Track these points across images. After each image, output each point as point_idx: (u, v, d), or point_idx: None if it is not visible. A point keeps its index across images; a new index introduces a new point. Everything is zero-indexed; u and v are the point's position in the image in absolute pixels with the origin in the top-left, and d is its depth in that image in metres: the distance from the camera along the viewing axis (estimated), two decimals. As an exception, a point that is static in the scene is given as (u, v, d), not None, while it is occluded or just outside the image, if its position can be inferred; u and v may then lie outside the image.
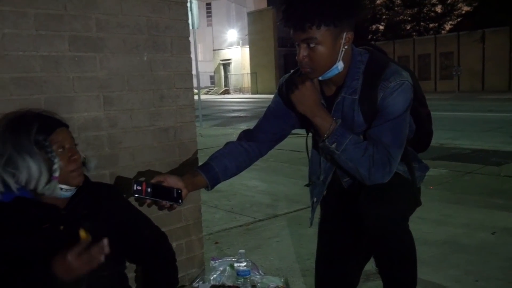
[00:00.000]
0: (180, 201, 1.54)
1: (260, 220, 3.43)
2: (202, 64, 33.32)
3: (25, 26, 1.60)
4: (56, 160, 1.35)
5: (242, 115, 16.47)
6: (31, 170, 1.31)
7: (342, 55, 1.56)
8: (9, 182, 1.31)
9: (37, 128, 1.34)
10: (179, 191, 1.56)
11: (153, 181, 1.54)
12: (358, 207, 1.60)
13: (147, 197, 1.48)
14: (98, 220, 1.46)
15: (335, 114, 1.65)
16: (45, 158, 1.33)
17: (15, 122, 1.37)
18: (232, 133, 9.86)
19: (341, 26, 1.51)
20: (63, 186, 1.39)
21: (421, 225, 2.98)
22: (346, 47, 1.55)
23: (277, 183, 4.72)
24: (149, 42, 1.94)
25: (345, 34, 1.53)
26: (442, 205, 3.61)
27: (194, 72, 2.09)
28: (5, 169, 1.31)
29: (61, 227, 1.38)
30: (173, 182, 1.57)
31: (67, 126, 1.45)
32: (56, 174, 1.35)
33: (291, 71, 1.85)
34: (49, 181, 1.34)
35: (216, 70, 45.58)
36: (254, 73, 38.92)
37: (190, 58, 2.09)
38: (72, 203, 1.44)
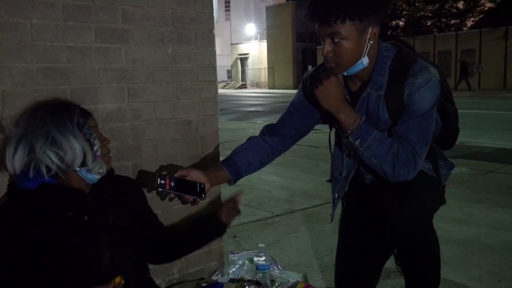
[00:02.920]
0: (203, 196, 1.54)
1: (278, 215, 3.43)
2: (220, 58, 33.37)
3: (53, 17, 1.62)
4: (96, 141, 1.41)
5: (259, 110, 16.45)
6: (75, 150, 1.35)
7: (367, 50, 1.53)
8: (54, 161, 1.34)
9: (78, 111, 1.40)
10: (202, 185, 1.55)
11: (176, 175, 1.54)
12: (382, 204, 1.59)
13: (171, 191, 1.48)
14: (121, 210, 1.48)
15: (359, 110, 1.63)
16: (86, 139, 1.38)
17: (56, 105, 1.43)
18: (249, 127, 9.85)
19: (367, 21, 1.48)
20: None
21: (442, 224, 2.94)
22: (371, 42, 1.53)
23: (295, 178, 4.70)
24: (174, 35, 1.94)
25: (370, 29, 1.50)
26: (464, 204, 3.56)
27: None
28: (51, 148, 1.34)
29: (86, 218, 1.39)
30: (196, 176, 1.57)
31: (92, 115, 1.50)
32: (98, 153, 1.41)
33: (309, 66, 1.83)
34: (94, 159, 1.39)
35: (234, 64, 45.59)
36: (271, 68, 38.81)
37: (214, 51, 2.09)
38: (95, 189, 1.46)
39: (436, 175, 1.69)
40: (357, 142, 1.57)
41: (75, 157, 1.36)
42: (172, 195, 1.50)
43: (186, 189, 1.51)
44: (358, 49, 1.52)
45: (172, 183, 1.49)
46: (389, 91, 1.58)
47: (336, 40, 1.49)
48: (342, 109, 1.59)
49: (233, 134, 8.25)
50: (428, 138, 1.57)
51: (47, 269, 1.32)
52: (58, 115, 1.38)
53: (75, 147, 1.35)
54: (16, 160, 1.35)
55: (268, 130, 1.84)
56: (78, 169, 1.38)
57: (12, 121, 1.43)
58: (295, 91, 1.90)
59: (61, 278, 1.32)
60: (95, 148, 1.40)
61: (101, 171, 1.42)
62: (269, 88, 38.50)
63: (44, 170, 1.35)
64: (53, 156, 1.34)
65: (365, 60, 1.55)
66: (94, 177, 1.42)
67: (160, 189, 1.46)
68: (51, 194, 1.38)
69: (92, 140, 1.40)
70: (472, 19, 34.25)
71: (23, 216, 1.33)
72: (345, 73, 1.60)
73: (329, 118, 1.75)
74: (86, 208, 1.41)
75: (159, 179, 1.46)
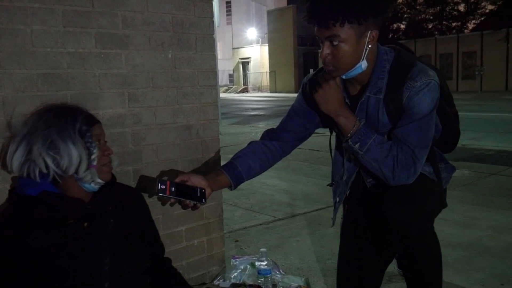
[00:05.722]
0: (204, 201, 1.54)
1: (279, 219, 3.42)
2: (221, 62, 33.45)
3: (53, 23, 1.62)
4: (95, 150, 1.40)
5: (261, 113, 16.47)
6: (72, 156, 1.35)
7: (366, 54, 1.53)
8: (50, 165, 1.34)
9: (83, 118, 1.40)
10: (203, 190, 1.56)
11: (177, 180, 1.54)
12: (382, 208, 1.58)
13: (171, 196, 1.49)
14: (122, 218, 1.47)
15: (359, 114, 1.63)
16: (85, 147, 1.38)
17: (62, 109, 1.43)
18: (251, 131, 9.86)
19: (366, 24, 1.48)
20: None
21: (444, 227, 2.93)
22: (370, 45, 1.52)
23: (297, 182, 4.70)
24: (174, 40, 1.95)
25: (369, 32, 1.50)
26: (466, 207, 3.55)
27: (214, 70, 2.10)
28: (48, 152, 1.34)
29: (85, 224, 1.39)
30: (197, 181, 1.57)
31: (100, 123, 1.49)
32: (94, 163, 1.40)
33: (311, 70, 1.83)
34: (87, 168, 1.38)
35: (235, 69, 45.70)
36: (273, 72, 38.88)
37: (214, 56, 2.09)
38: (97, 197, 1.45)
39: (437, 178, 1.69)
40: (356, 145, 1.57)
41: (70, 163, 1.36)
42: (172, 200, 1.51)
43: (187, 194, 1.52)
44: (356, 53, 1.52)
45: (173, 188, 1.49)
46: (389, 95, 1.58)
47: (334, 43, 1.49)
48: (341, 112, 1.59)
49: (235, 138, 8.26)
50: (427, 141, 1.57)
51: (47, 275, 1.31)
52: (62, 119, 1.38)
53: (72, 153, 1.35)
54: (15, 159, 1.36)
55: (268, 134, 1.84)
56: (76, 175, 1.38)
57: (21, 120, 1.45)
58: (297, 95, 1.90)
59: (61, 284, 1.32)
60: (93, 157, 1.40)
61: (93, 181, 1.41)
62: (271, 92, 38.58)
63: (37, 173, 1.35)
64: (48, 160, 1.34)
65: (363, 64, 1.55)
66: (91, 185, 1.42)
67: (161, 194, 1.47)
68: (51, 202, 1.37)
69: (91, 149, 1.40)
70: (473, 21, 34.28)
71: (23, 222, 1.33)
72: (343, 76, 1.60)
73: (329, 122, 1.75)
74: (86, 215, 1.40)
75: (159, 184, 1.47)
